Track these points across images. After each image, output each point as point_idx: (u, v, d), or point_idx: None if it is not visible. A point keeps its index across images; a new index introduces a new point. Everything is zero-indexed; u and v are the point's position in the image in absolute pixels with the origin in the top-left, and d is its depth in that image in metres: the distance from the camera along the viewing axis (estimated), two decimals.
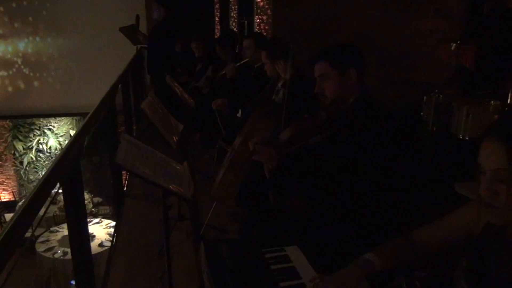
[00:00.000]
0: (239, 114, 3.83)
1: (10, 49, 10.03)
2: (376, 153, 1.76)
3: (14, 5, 9.79)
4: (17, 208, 9.47)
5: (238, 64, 3.91)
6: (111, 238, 6.75)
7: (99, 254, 6.15)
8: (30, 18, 9.93)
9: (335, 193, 1.78)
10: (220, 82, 4.18)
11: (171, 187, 1.74)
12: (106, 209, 9.21)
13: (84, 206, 1.98)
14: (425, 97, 4.46)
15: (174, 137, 2.60)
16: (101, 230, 7.24)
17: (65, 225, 7.54)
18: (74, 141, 1.84)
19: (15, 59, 10.09)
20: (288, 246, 1.46)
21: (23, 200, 7.81)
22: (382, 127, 1.83)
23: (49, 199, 1.48)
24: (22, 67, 10.16)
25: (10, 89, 10.25)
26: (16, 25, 9.91)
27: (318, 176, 1.81)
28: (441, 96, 4.29)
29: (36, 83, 10.33)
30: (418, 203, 2.90)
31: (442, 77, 4.94)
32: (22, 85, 10.28)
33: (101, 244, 6.68)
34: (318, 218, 1.90)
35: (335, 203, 1.81)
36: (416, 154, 3.81)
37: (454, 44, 4.50)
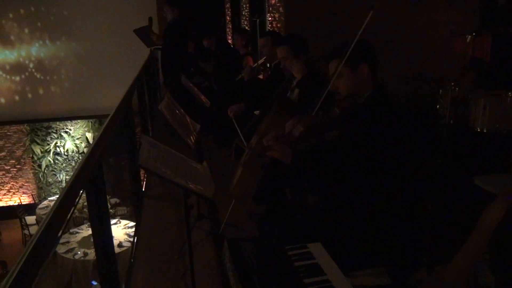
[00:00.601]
0: (256, 112, 3.83)
1: (23, 53, 10.25)
2: (391, 147, 1.76)
3: (22, 11, 10.01)
4: (37, 210, 9.63)
5: (255, 65, 3.92)
6: (129, 239, 6.84)
7: (118, 254, 6.23)
8: (39, 24, 10.12)
9: (352, 189, 1.79)
10: (238, 85, 4.15)
11: (192, 187, 1.76)
12: (123, 209, 9.31)
13: (107, 209, 2.02)
14: (440, 90, 4.42)
15: (191, 137, 2.63)
16: (119, 230, 7.32)
17: (84, 227, 7.66)
18: (96, 146, 1.87)
19: (27, 63, 10.30)
20: (310, 243, 1.47)
21: (42, 203, 7.93)
22: (397, 121, 1.83)
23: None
24: (34, 71, 10.36)
25: (27, 93, 10.44)
26: (26, 30, 10.11)
27: (335, 172, 1.82)
28: (457, 89, 4.25)
29: (51, 87, 10.50)
30: (438, 197, 2.88)
31: (457, 70, 4.90)
32: (38, 90, 10.48)
33: (120, 245, 6.76)
34: (338, 214, 1.90)
35: (353, 199, 1.82)
36: (433, 148, 3.79)
37: (469, 36, 4.45)
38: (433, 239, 2.34)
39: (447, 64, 5.05)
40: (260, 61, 3.88)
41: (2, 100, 10.37)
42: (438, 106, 4.47)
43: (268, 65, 3.92)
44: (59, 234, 1.17)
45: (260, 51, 3.98)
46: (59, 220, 1.20)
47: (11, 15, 10.01)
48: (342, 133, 1.95)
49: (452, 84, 4.30)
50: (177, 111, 2.82)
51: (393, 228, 1.78)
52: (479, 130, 3.94)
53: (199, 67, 6.04)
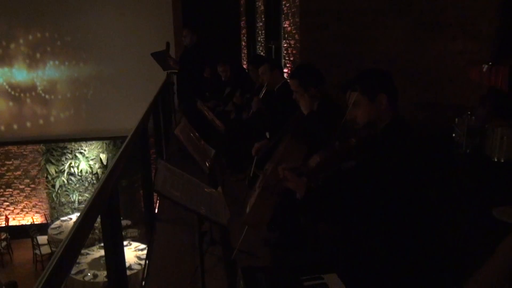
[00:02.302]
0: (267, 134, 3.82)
1: (39, 74, 10.62)
2: (409, 177, 1.74)
3: (30, 37, 10.49)
4: (49, 230, 9.64)
5: (262, 95, 3.94)
6: (140, 261, 6.80)
7: (129, 277, 6.18)
8: (49, 48, 10.49)
9: (369, 219, 1.76)
10: (253, 118, 4.13)
11: (207, 213, 1.76)
12: (134, 231, 9.29)
13: (121, 233, 2.01)
14: (456, 119, 4.39)
15: (207, 163, 2.63)
16: (130, 253, 7.28)
17: (95, 248, 7.64)
18: (112, 171, 1.88)
19: (42, 85, 10.63)
20: (326, 273, 1.45)
21: (54, 223, 7.93)
22: (414, 150, 1.81)
23: None
24: (48, 94, 10.67)
25: (43, 115, 10.67)
26: (37, 55, 10.51)
27: (352, 202, 1.80)
28: (473, 118, 4.22)
29: (68, 109, 10.72)
30: (454, 228, 2.83)
31: (472, 98, 4.87)
32: (54, 111, 10.70)
33: (129, 267, 6.71)
34: (354, 245, 1.87)
35: (369, 229, 1.79)
36: (449, 177, 3.73)
37: (486, 66, 4.43)
38: (450, 271, 2.28)
39: (463, 93, 5.03)
40: (263, 90, 3.91)
41: (19, 121, 10.60)
42: (454, 135, 4.43)
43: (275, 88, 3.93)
44: (76, 259, 1.16)
45: (261, 79, 4.01)
46: (76, 245, 1.20)
47: (21, 41, 10.41)
48: (359, 163, 1.94)
49: (469, 113, 4.26)
50: (192, 136, 2.84)
51: (410, 259, 1.74)
52: (496, 160, 3.89)
53: (214, 91, 6.11)
